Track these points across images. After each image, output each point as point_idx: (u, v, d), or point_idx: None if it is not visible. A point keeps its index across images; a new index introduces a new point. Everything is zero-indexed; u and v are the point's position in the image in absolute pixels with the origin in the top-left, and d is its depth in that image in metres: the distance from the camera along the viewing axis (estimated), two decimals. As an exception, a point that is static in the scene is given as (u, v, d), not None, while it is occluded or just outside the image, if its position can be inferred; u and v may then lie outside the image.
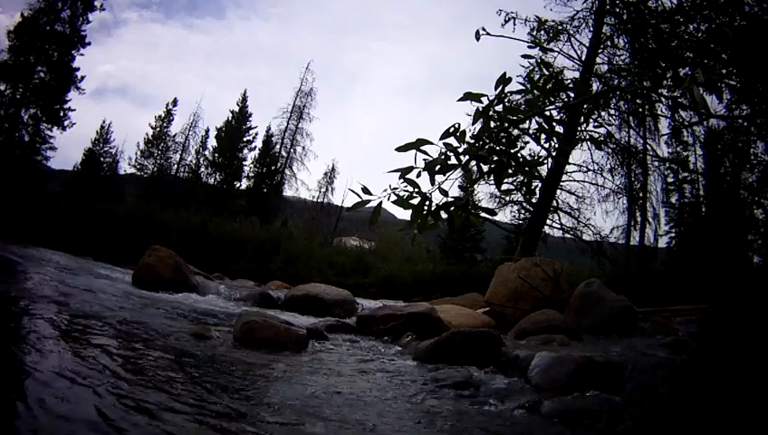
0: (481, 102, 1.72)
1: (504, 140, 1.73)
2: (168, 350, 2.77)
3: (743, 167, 12.61)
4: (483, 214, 2.01)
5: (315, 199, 24.91)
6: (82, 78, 19.69)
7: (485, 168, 1.70)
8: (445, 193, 1.64)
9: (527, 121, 1.84)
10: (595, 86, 9.16)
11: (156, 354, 2.61)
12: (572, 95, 1.98)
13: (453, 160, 1.64)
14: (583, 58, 10.59)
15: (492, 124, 1.69)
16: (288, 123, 24.61)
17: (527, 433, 2.01)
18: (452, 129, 1.64)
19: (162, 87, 66.36)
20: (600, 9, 10.40)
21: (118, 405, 1.71)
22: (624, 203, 13.35)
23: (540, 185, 9.58)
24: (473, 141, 1.67)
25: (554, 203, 11.43)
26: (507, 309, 6.10)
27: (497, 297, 6.47)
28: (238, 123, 24.40)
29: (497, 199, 12.78)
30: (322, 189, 25.02)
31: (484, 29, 2.38)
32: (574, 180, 12.05)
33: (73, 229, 13.69)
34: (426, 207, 1.60)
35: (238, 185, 24.45)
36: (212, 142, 24.36)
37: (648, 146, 12.84)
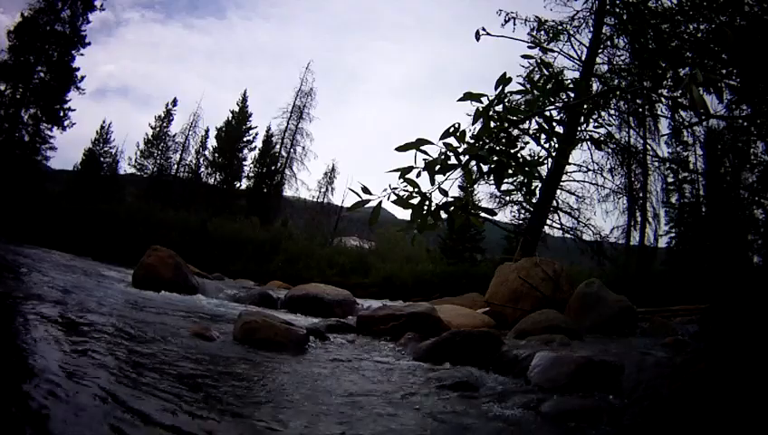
0: (481, 102, 1.72)
1: (503, 141, 1.73)
2: (167, 349, 2.77)
3: (743, 167, 12.62)
4: (483, 214, 2.00)
5: (315, 199, 24.98)
6: (82, 78, 19.76)
7: (485, 168, 1.70)
8: (445, 193, 1.64)
9: (527, 122, 1.84)
10: (595, 86, 9.17)
11: (156, 354, 2.62)
12: (572, 95, 1.98)
13: (453, 160, 1.64)
14: (583, 58, 10.60)
15: (492, 124, 1.69)
16: (288, 123, 24.65)
17: (527, 433, 2.01)
18: (452, 129, 1.65)
19: (162, 87, 66.36)
20: (600, 9, 10.40)
21: (117, 404, 1.71)
22: (624, 203, 13.39)
23: (540, 185, 9.57)
24: (473, 141, 1.67)
25: (554, 203, 11.43)
26: (507, 309, 6.10)
27: (497, 297, 6.48)
28: (238, 123, 24.44)
29: (497, 199, 12.81)
30: (322, 189, 25.10)
31: (484, 29, 2.38)
32: (574, 180, 12.07)
33: (73, 229, 13.65)
34: (426, 207, 1.60)
35: (238, 185, 24.55)
36: (212, 142, 24.47)
37: (647, 146, 12.87)
